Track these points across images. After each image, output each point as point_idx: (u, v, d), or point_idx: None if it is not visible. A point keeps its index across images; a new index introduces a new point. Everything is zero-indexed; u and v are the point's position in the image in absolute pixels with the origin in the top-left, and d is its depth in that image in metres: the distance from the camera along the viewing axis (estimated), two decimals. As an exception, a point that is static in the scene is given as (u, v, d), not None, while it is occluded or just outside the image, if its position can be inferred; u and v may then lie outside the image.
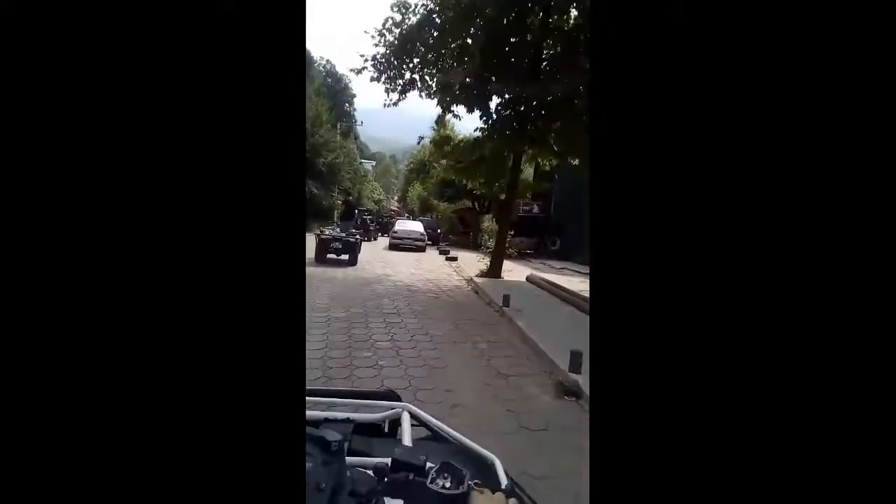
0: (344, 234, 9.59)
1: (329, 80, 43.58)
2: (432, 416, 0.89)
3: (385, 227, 23.48)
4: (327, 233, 9.71)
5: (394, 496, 0.56)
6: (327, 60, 47.03)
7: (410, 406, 0.89)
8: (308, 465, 0.54)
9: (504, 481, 0.66)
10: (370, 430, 0.86)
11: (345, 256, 9.11)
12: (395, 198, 54.71)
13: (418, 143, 10.68)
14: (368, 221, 21.88)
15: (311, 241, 8.90)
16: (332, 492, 0.53)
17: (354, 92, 48.11)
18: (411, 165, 38.82)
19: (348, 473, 0.58)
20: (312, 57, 39.49)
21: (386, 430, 0.90)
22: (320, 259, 9.04)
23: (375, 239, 20.54)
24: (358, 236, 9.93)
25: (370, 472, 0.60)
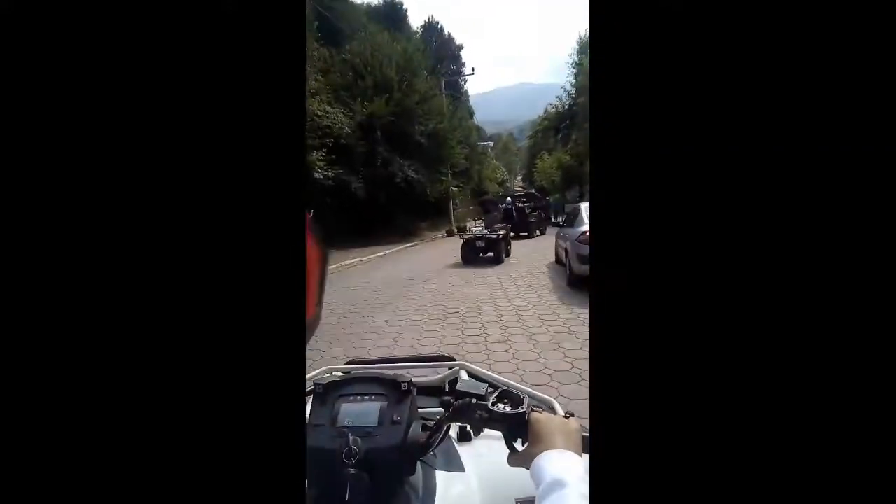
0: (487, 232, 9.82)
1: (433, 38, 36.12)
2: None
3: (552, 214, 17.12)
4: (470, 232, 10.38)
5: (459, 420, 0.64)
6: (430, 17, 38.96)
7: (466, 363, 1.03)
8: (383, 404, 0.63)
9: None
10: (432, 393, 0.95)
11: (490, 254, 9.10)
12: (519, 177, 47.12)
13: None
14: (527, 210, 15.14)
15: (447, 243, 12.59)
16: (406, 425, 0.61)
17: (464, 61, 40.32)
18: (540, 131, 30.37)
19: (419, 409, 0.67)
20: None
21: (447, 390, 0.98)
22: (467, 259, 9.08)
23: (542, 233, 14.17)
24: (502, 232, 9.70)
25: (438, 407, 0.68)
